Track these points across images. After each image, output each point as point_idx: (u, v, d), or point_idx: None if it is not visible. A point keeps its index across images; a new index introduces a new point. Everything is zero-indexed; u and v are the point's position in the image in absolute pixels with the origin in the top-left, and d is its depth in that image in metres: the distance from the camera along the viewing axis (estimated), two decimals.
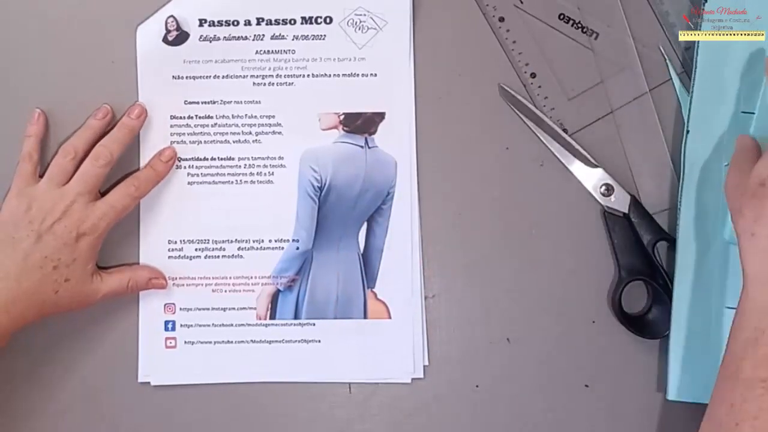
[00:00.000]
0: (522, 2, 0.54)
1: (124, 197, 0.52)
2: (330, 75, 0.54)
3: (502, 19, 0.54)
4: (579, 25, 0.54)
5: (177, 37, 0.54)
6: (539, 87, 0.54)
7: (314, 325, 0.54)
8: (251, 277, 0.54)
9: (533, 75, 0.54)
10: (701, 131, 0.51)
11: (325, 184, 0.54)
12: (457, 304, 0.54)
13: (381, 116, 0.54)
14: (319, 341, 0.54)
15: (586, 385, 0.54)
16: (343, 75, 0.54)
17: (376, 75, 0.54)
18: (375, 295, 0.54)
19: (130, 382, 0.54)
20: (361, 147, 0.54)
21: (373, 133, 0.54)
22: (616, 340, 0.53)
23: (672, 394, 0.51)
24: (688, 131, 0.52)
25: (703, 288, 0.51)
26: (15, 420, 0.54)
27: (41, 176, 0.52)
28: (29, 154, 0.52)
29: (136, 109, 0.53)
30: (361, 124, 0.54)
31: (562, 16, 0.54)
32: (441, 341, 0.54)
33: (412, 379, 0.54)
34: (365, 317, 0.54)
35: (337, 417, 0.54)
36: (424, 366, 0.54)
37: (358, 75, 0.54)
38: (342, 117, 0.54)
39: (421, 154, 0.54)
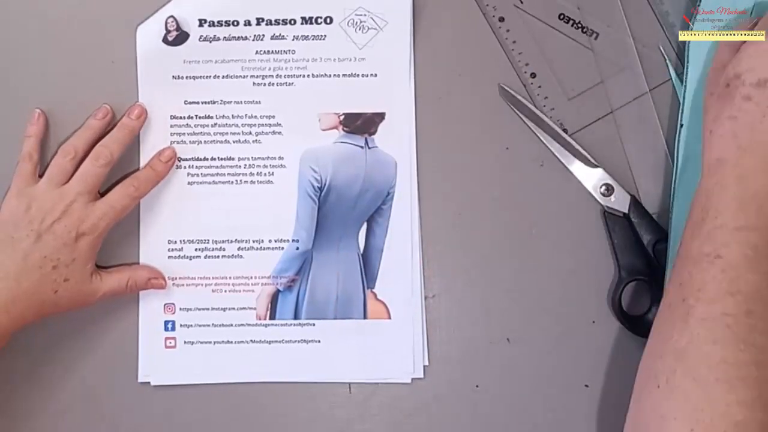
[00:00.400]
0: (522, 2, 0.54)
1: (124, 197, 0.52)
2: (330, 75, 0.54)
3: (502, 19, 0.54)
4: (579, 25, 0.54)
5: (177, 37, 0.54)
6: (539, 87, 0.54)
7: (314, 325, 0.54)
8: (251, 277, 0.54)
9: (533, 75, 0.54)
10: (695, 125, 0.51)
11: (325, 184, 0.54)
12: (457, 304, 0.54)
13: (381, 116, 0.54)
14: (319, 341, 0.54)
15: (586, 385, 0.54)
16: (343, 75, 0.54)
17: (376, 75, 0.54)
18: (375, 295, 0.54)
19: (130, 382, 0.54)
20: (361, 147, 0.54)
21: (373, 133, 0.54)
22: (616, 340, 0.53)
23: None
24: (681, 125, 0.52)
25: None
26: (15, 420, 0.54)
27: (41, 176, 0.52)
28: (29, 154, 0.52)
29: (136, 110, 0.53)
30: (361, 125, 0.54)
31: (562, 16, 0.54)
32: (441, 341, 0.54)
33: (412, 379, 0.54)
34: (365, 317, 0.54)
35: (337, 417, 0.54)
36: (424, 366, 0.54)
37: (358, 75, 0.54)
38: (342, 117, 0.54)
39: (421, 154, 0.54)
